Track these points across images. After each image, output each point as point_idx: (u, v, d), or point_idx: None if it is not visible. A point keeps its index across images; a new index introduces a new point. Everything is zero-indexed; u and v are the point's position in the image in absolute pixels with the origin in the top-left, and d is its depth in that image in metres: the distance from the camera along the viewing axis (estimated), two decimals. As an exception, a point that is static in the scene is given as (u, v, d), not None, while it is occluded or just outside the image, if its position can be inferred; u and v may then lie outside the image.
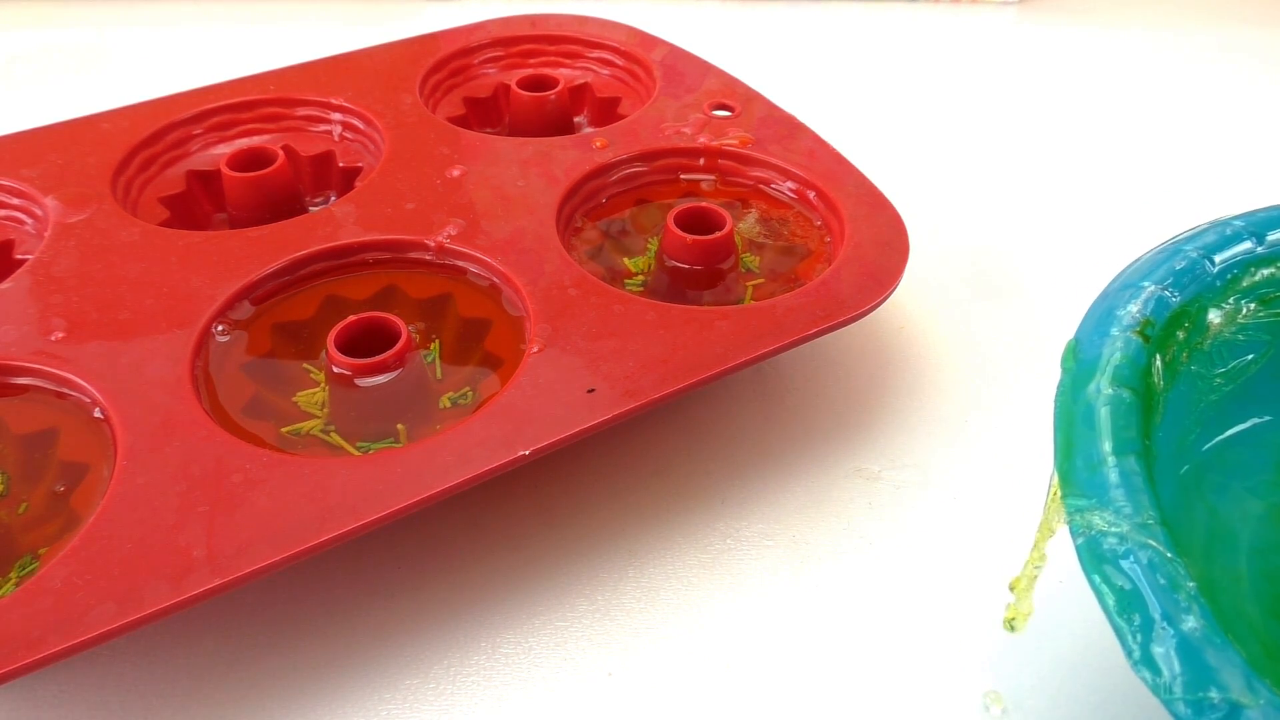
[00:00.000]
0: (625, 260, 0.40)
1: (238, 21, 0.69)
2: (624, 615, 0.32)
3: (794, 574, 0.33)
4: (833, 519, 0.35)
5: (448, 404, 0.34)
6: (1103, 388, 0.25)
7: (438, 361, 0.35)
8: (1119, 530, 0.22)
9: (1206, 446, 0.30)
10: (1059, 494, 0.24)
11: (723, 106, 0.46)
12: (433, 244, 0.38)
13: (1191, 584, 0.21)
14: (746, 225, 0.41)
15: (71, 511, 0.30)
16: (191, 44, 0.66)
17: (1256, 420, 0.31)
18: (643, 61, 0.50)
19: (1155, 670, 0.20)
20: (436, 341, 0.36)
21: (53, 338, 0.34)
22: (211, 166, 0.44)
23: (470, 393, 0.34)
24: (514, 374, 0.33)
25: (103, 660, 0.31)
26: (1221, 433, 0.31)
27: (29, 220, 0.40)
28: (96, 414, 0.32)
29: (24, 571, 0.29)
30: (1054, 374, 0.26)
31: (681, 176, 0.44)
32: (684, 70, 0.49)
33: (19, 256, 0.39)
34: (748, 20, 0.70)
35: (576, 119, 0.50)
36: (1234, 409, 0.30)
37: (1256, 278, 0.29)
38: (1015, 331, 0.43)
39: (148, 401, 0.32)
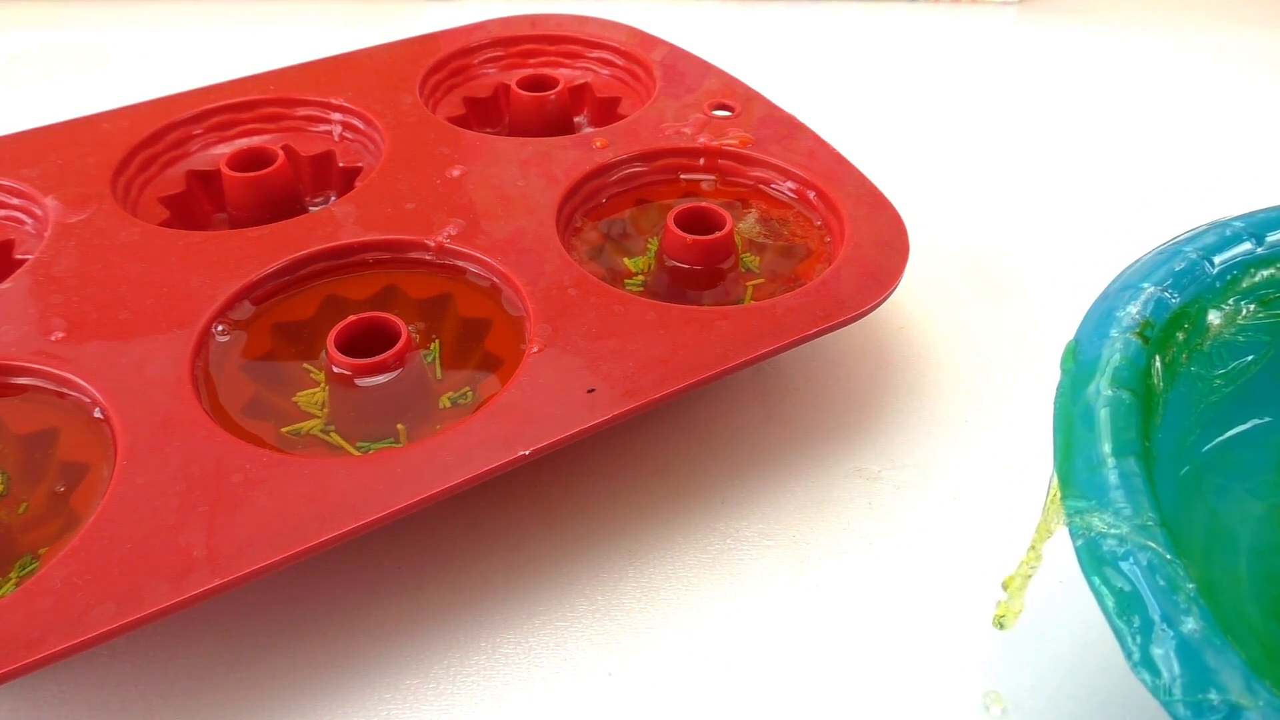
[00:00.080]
0: (625, 260, 0.40)
1: (238, 21, 0.69)
2: (624, 615, 0.32)
3: (794, 574, 0.33)
4: (833, 519, 0.35)
5: (448, 404, 0.34)
6: (1102, 389, 0.25)
7: (438, 361, 0.35)
8: (1119, 532, 0.22)
9: (1206, 448, 0.30)
10: (1058, 495, 0.24)
11: (723, 106, 0.46)
12: (433, 244, 0.38)
13: (1191, 585, 0.21)
14: (746, 225, 0.41)
15: (71, 511, 0.30)
16: (191, 44, 0.66)
17: (1256, 421, 0.31)
18: (643, 61, 0.50)
19: (1155, 672, 0.20)
20: (436, 341, 0.36)
21: (53, 338, 0.34)
22: (211, 166, 0.44)
23: (470, 393, 0.34)
24: (514, 374, 0.33)
25: (103, 660, 0.31)
26: (1221, 434, 0.31)
27: (29, 220, 0.40)
28: (96, 414, 0.32)
29: (24, 571, 0.29)
30: (1053, 375, 0.26)
31: (681, 176, 0.44)
32: (684, 70, 0.49)
33: (19, 256, 0.39)
34: (748, 20, 0.70)
35: (576, 119, 0.50)
36: (1234, 410, 0.30)
37: (1256, 279, 0.29)
38: (1015, 332, 0.43)
39: (148, 401, 0.32)
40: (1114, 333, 0.26)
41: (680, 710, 0.30)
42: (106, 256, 0.37)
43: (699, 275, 0.38)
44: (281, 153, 0.43)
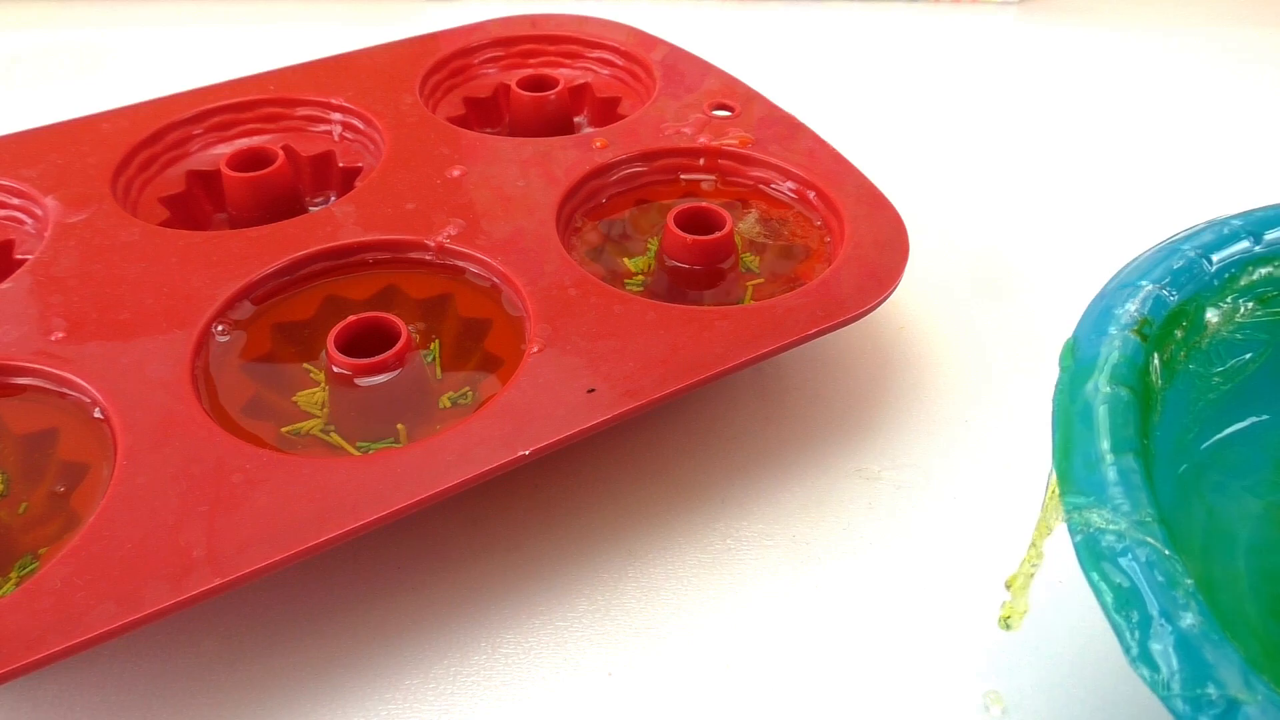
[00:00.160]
0: (625, 260, 0.40)
1: (238, 21, 0.69)
2: (624, 615, 0.32)
3: (794, 574, 0.33)
4: (833, 519, 0.35)
5: (448, 404, 0.34)
6: (1101, 386, 0.25)
7: (438, 361, 0.35)
8: (1117, 528, 0.22)
9: (1205, 445, 0.30)
10: (1057, 492, 0.24)
11: (723, 106, 0.46)
12: (433, 244, 0.38)
13: (1189, 581, 0.21)
14: (746, 225, 0.41)
15: (71, 511, 0.30)
16: (191, 44, 0.66)
17: (1255, 419, 0.31)
18: (643, 61, 0.50)
19: (1153, 667, 0.20)
20: (436, 341, 0.36)
21: (53, 338, 0.34)
22: (211, 166, 0.44)
23: (470, 393, 0.34)
24: (514, 374, 0.33)
25: (103, 660, 0.31)
26: (1220, 432, 0.31)
27: (29, 220, 0.40)
28: (96, 414, 0.32)
29: (24, 571, 0.29)
30: (1053, 374, 0.26)
31: (681, 176, 0.44)
32: (684, 70, 0.49)
33: (19, 256, 0.39)
34: (748, 20, 0.70)
35: (576, 119, 0.50)
36: (1232, 408, 0.30)
37: (1254, 277, 0.29)
38: (1015, 331, 0.43)
39: (148, 401, 0.32)
40: (1112, 330, 0.26)
41: (680, 710, 0.30)
42: (106, 256, 0.38)
43: (699, 275, 0.38)
44: (281, 153, 0.43)
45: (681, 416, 0.38)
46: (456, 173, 0.42)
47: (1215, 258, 0.29)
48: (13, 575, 0.29)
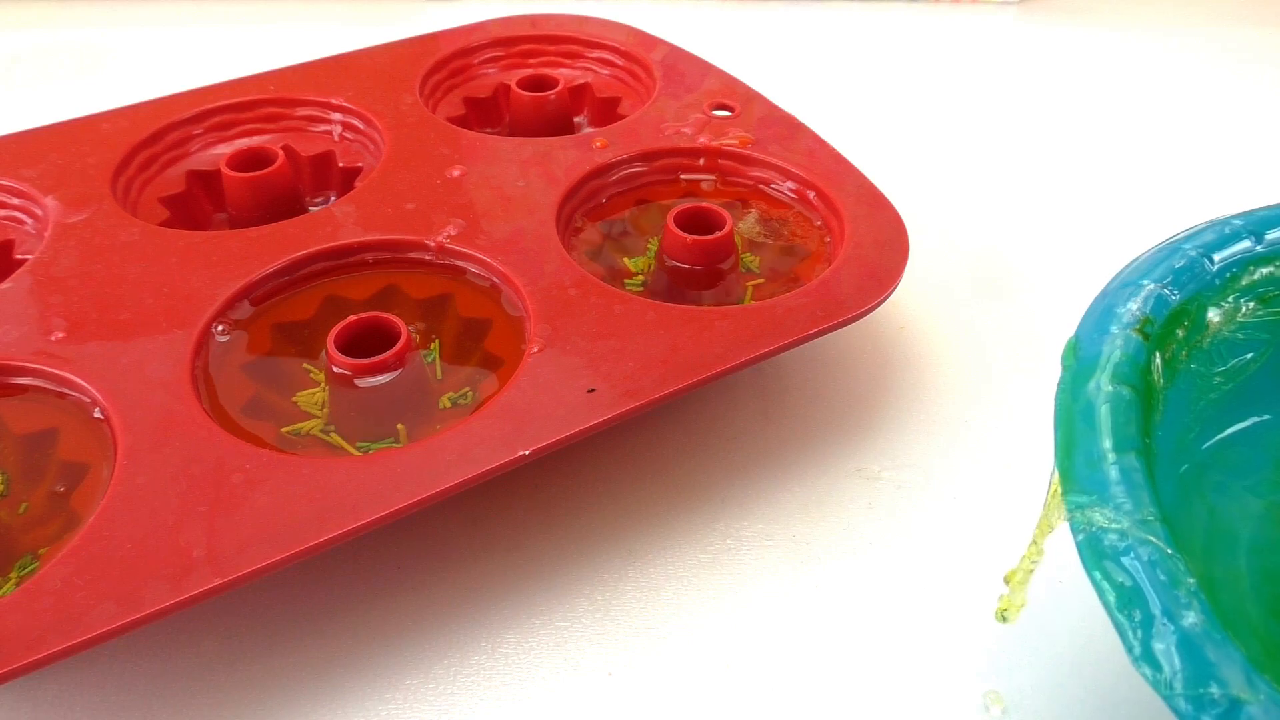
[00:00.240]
0: (625, 260, 0.40)
1: (238, 21, 0.69)
2: (624, 615, 0.32)
3: (794, 574, 0.33)
4: (833, 519, 0.35)
5: (448, 404, 0.34)
6: (1103, 385, 0.25)
7: (438, 361, 0.35)
8: (1119, 527, 0.22)
9: (1206, 445, 0.30)
10: (1059, 491, 0.24)
11: (723, 106, 0.46)
12: (433, 244, 0.38)
13: (1192, 580, 0.21)
14: (746, 225, 0.41)
15: (71, 511, 0.30)
16: (191, 44, 0.66)
17: (1256, 419, 0.31)
18: (643, 61, 0.50)
19: (1156, 666, 0.20)
20: (436, 341, 0.36)
21: (53, 338, 0.34)
22: (211, 166, 0.44)
23: (470, 393, 0.34)
24: (514, 374, 0.33)
25: (103, 660, 0.31)
26: (1221, 431, 0.31)
27: (29, 220, 0.40)
28: (96, 414, 0.32)
29: (24, 571, 0.29)
30: (1054, 374, 0.26)
31: (681, 176, 0.44)
32: (684, 70, 0.49)
33: (19, 256, 0.39)
34: (748, 20, 0.70)
35: (576, 119, 0.50)
36: (1234, 407, 0.30)
37: (1255, 276, 0.29)
38: (1015, 331, 0.43)
39: (148, 401, 0.32)
40: (1114, 329, 0.26)
41: (680, 710, 0.29)
42: (106, 256, 0.38)
43: (699, 275, 0.38)
44: (281, 153, 0.43)
45: (681, 416, 0.38)
46: (456, 173, 0.42)
47: (1217, 257, 0.29)
48: (13, 575, 0.29)
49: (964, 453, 0.37)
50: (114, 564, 0.27)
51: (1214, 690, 0.19)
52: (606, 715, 0.29)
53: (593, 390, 0.32)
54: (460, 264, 0.38)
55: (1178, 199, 0.51)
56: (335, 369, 0.33)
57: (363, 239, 0.38)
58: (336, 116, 0.46)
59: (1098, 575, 0.22)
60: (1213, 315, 0.28)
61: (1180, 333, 0.28)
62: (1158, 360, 0.26)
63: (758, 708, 0.29)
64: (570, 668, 0.31)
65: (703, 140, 0.44)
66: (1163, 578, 0.21)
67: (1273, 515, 0.29)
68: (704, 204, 0.40)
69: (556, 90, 0.48)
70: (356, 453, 0.32)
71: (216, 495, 0.29)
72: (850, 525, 0.35)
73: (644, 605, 0.32)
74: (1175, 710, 0.20)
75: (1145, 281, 0.27)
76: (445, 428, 0.32)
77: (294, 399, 0.34)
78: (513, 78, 0.49)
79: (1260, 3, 0.72)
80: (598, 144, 0.43)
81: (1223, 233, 0.29)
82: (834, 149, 0.43)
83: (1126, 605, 0.21)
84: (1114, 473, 0.23)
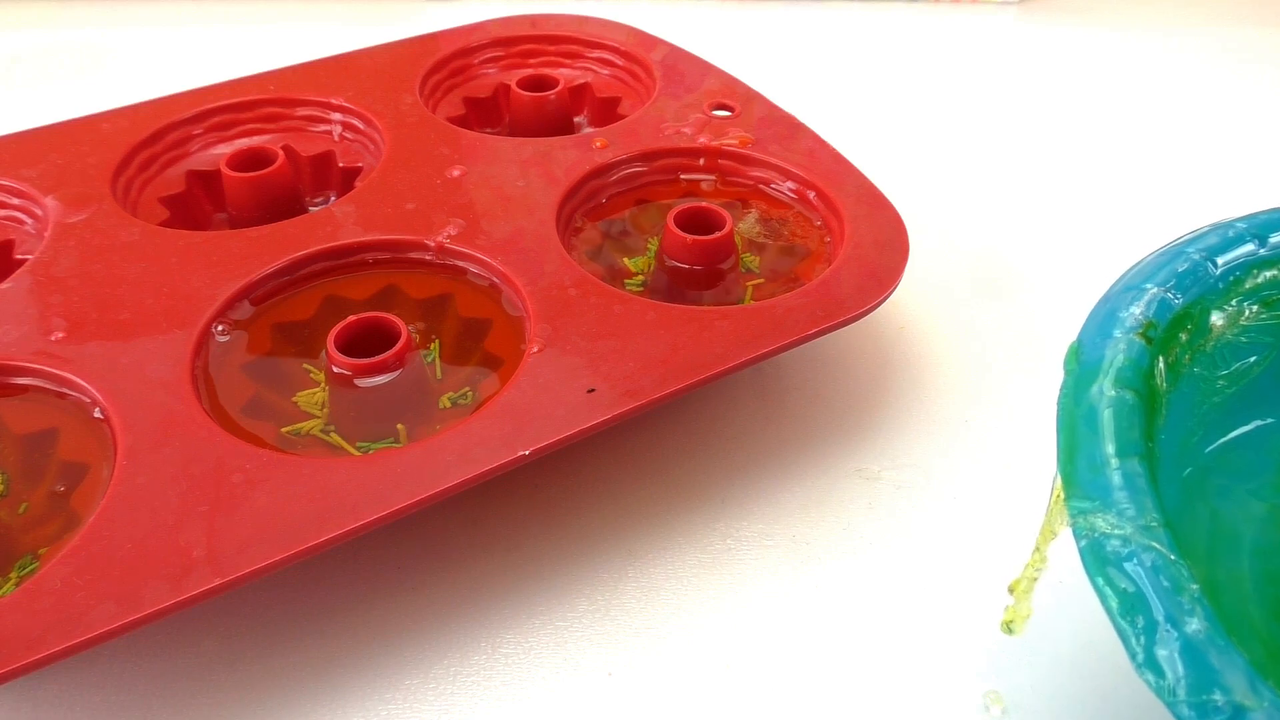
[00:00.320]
0: (625, 260, 0.40)
1: (238, 21, 0.69)
2: (624, 615, 0.32)
3: (794, 574, 0.33)
4: (833, 519, 0.35)
5: (448, 404, 0.34)
6: (1105, 389, 0.25)
7: (438, 361, 0.35)
8: (1122, 533, 0.22)
9: (1209, 449, 0.30)
10: (1062, 496, 0.24)
11: (723, 106, 0.46)
12: (433, 244, 0.38)
13: (1195, 586, 0.21)
14: (746, 225, 0.41)
15: (71, 511, 0.30)
16: (191, 44, 0.66)
17: (1259, 422, 0.31)
18: (643, 61, 0.50)
19: (1159, 673, 0.20)
20: (436, 341, 0.36)
21: (53, 338, 0.34)
22: (211, 166, 0.44)
23: (470, 393, 0.34)
24: (514, 374, 0.33)
25: (103, 660, 0.31)
26: (1224, 435, 0.31)
27: (29, 220, 0.40)
28: (96, 414, 0.32)
29: (24, 571, 0.29)
30: (1055, 375, 0.26)
31: (681, 176, 0.44)
32: (684, 70, 0.49)
33: (19, 256, 0.39)
34: (748, 20, 0.70)
35: (576, 119, 0.50)
36: (1237, 411, 0.30)
37: (1259, 280, 0.29)
38: (1016, 332, 0.43)
39: (148, 401, 0.32)
40: (1117, 333, 0.26)
41: (680, 710, 0.29)
42: (106, 256, 0.37)
43: (699, 275, 0.38)
44: (281, 153, 0.43)
45: (681, 416, 0.38)
46: (456, 173, 0.42)
47: (1220, 261, 0.28)
48: (13, 575, 0.29)
49: (964, 453, 0.37)
50: (114, 564, 0.27)
51: (1217, 697, 0.19)
52: (606, 715, 0.29)
53: (593, 390, 0.32)
54: (460, 264, 0.38)
55: (1180, 201, 0.51)
56: (335, 369, 0.33)
57: (363, 239, 0.38)
58: (336, 116, 0.46)
59: (1100, 581, 0.22)
60: (1216, 319, 0.28)
61: (1183, 336, 0.28)
62: (1161, 364, 0.26)
63: (758, 708, 0.29)
64: (570, 668, 0.31)
65: (703, 140, 0.44)
66: (1166, 584, 0.21)
67: (1275, 518, 0.29)
68: (704, 204, 0.40)
69: (556, 90, 0.47)
70: (356, 453, 0.32)
71: (216, 495, 0.29)
72: (850, 525, 0.35)
73: (644, 605, 0.32)
74: (1178, 717, 0.20)
75: (1148, 285, 0.27)
76: (445, 428, 0.32)
77: (294, 399, 0.34)
78: (513, 78, 0.49)
79: (1260, 3, 0.72)
80: (598, 144, 0.43)
81: (1226, 236, 0.29)
82: (834, 149, 0.43)
83: (1129, 611, 0.21)
84: (1117, 478, 0.23)
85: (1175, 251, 0.29)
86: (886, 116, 0.59)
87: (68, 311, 0.35)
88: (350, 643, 0.31)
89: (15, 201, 0.41)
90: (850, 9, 0.71)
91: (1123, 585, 0.21)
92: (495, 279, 0.37)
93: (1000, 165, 0.54)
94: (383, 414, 0.33)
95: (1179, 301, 0.27)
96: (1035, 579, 0.26)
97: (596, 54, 0.52)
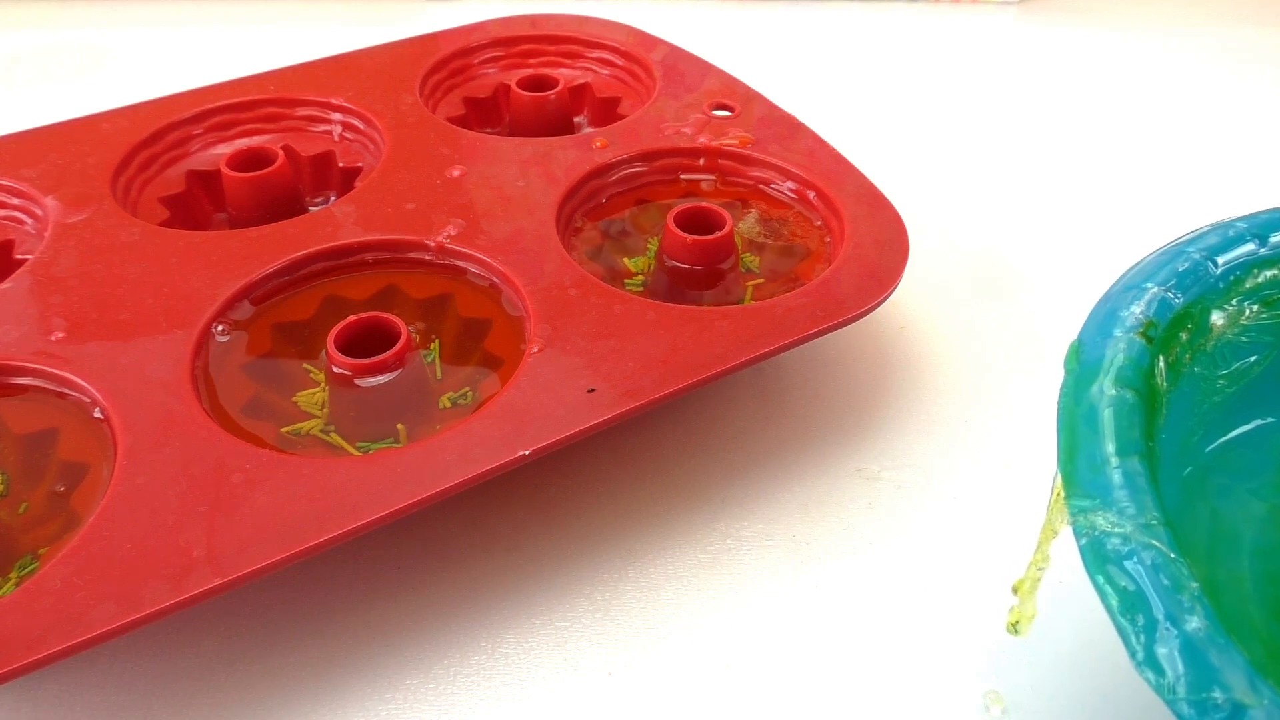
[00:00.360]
0: (625, 260, 0.40)
1: (238, 21, 0.69)
2: (624, 615, 0.32)
3: (794, 574, 0.33)
4: (833, 519, 0.35)
5: (448, 404, 0.34)
6: (1106, 389, 0.25)
7: (438, 361, 0.35)
8: (1122, 531, 0.22)
9: (1209, 448, 0.30)
10: (1062, 495, 0.24)
11: (723, 106, 0.46)
12: (433, 244, 0.38)
13: (1195, 584, 0.21)
14: (746, 225, 0.41)
15: (71, 511, 0.30)
16: (191, 44, 0.66)
17: (1259, 422, 0.31)
18: (643, 61, 0.50)
19: (1159, 671, 0.20)
20: (436, 341, 0.36)
21: (53, 338, 0.34)
22: (211, 166, 0.44)
23: (470, 393, 0.34)
24: (514, 374, 0.33)
25: (103, 660, 0.30)
26: (1224, 434, 0.31)
27: (29, 220, 0.40)
28: (96, 414, 0.32)
29: (24, 571, 0.29)
30: (1055, 375, 0.26)
31: (681, 176, 0.44)
32: (684, 70, 0.49)
33: (19, 256, 0.39)
34: (748, 20, 0.70)
35: (576, 119, 0.50)
36: (1237, 411, 0.30)
37: (1259, 279, 0.29)
38: (1016, 332, 0.43)
39: (148, 401, 0.32)
40: (1118, 333, 0.26)
41: (680, 710, 0.29)
42: (106, 256, 0.37)
43: (699, 275, 0.38)
44: (281, 153, 0.43)
45: (681, 416, 0.38)
46: (456, 173, 0.42)
47: (1220, 260, 0.28)
48: (13, 575, 0.29)
49: (964, 453, 0.37)
50: (114, 564, 0.27)
51: (1217, 695, 0.19)
52: (606, 715, 0.29)
53: (593, 390, 0.32)
54: (460, 264, 0.38)
55: (1180, 201, 0.51)
56: (335, 369, 0.33)
57: (363, 239, 0.38)
58: (336, 116, 0.46)
59: (1101, 579, 0.22)
60: (1216, 318, 0.28)
61: (1184, 336, 0.28)
62: (1161, 363, 0.26)
63: (758, 708, 0.29)
64: (570, 668, 0.31)
65: (703, 140, 0.44)
66: (1166, 582, 0.21)
67: (1276, 518, 0.29)
68: (704, 204, 0.40)
69: (556, 90, 0.47)
70: (356, 453, 0.32)
71: (216, 495, 0.29)
72: (850, 525, 0.35)
73: (644, 605, 0.32)
74: (1178, 715, 0.20)
75: (1148, 284, 0.27)
76: (445, 428, 0.32)
77: (294, 399, 0.34)
78: (513, 78, 0.49)
79: (1260, 3, 0.72)
80: (598, 144, 0.43)
81: (1226, 235, 0.29)
82: (834, 149, 0.43)
83: (1129, 609, 0.21)
84: (1117, 477, 0.23)
85: (1176, 251, 0.29)
86: (886, 116, 0.59)
87: (68, 311, 0.35)
88: (350, 643, 0.31)
89: (15, 201, 0.41)
90: (850, 9, 0.71)
91: (1123, 583, 0.21)
92: (495, 279, 0.37)
93: (1000, 165, 0.54)
94: (383, 414, 0.33)
95: (1179, 301, 0.27)
96: (1039, 578, 0.26)
97: (596, 54, 0.52)
